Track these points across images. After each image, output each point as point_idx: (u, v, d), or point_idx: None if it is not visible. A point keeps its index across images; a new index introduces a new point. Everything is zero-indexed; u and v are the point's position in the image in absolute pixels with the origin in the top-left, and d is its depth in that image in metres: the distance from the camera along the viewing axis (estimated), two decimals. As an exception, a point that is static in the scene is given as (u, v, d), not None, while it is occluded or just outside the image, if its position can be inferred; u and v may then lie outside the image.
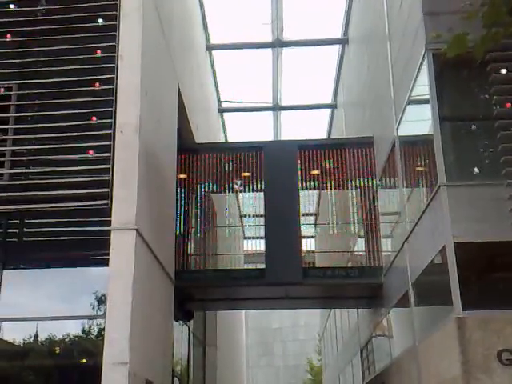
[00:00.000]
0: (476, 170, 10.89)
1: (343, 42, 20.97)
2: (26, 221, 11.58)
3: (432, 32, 9.75)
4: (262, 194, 15.89)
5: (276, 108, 24.31)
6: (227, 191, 17.22)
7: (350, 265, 18.21)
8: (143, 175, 10.92)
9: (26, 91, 11.11)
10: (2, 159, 10.63)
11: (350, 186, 16.31)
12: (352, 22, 19.83)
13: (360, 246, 17.65)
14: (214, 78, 23.08)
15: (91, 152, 10.52)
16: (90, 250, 11.05)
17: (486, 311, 9.38)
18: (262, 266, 15.26)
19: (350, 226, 17.36)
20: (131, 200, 10.37)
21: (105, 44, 11.05)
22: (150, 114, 11.72)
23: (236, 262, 19.50)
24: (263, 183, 15.85)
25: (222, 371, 24.79)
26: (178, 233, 14.66)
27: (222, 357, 24.80)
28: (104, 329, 9.90)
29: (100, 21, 11.22)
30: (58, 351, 10.91)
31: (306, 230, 20.28)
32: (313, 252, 20.60)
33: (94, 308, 10.77)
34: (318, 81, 23.70)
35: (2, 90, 11.07)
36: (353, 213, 16.86)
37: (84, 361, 11.00)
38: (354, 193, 16.50)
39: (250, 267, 18.67)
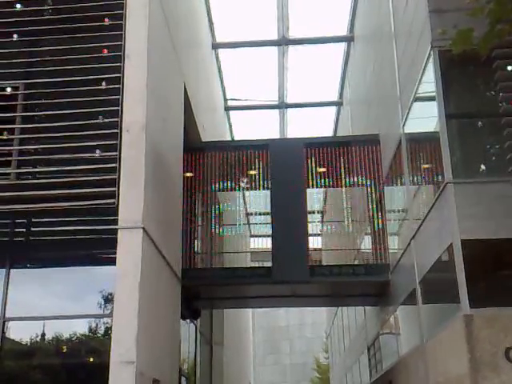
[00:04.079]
0: (483, 167, 10.88)
1: (349, 39, 20.94)
2: (33, 220, 11.60)
3: (438, 29, 9.74)
4: (269, 192, 15.89)
5: (282, 106, 24.30)
6: (234, 189, 17.22)
7: (356, 262, 18.19)
8: (150, 174, 10.94)
9: (33, 91, 11.14)
10: (9, 158, 10.66)
11: (356, 183, 16.29)
12: (358, 20, 19.81)
13: (367, 243, 17.62)
14: (220, 76, 23.09)
15: (98, 151, 10.54)
16: (96, 248, 11.07)
17: (494, 309, 9.36)
18: (269, 264, 15.26)
19: (356, 223, 17.35)
20: (138, 199, 10.38)
21: (111, 43, 11.07)
22: (157, 113, 11.73)
23: (243, 260, 19.52)
24: (269, 181, 15.85)
25: (229, 369, 24.81)
26: (184, 231, 14.65)
27: (229, 355, 24.82)
28: (111, 328, 9.93)
29: (106, 20, 11.23)
30: (65, 350, 10.94)
31: (313, 227, 20.25)
32: (320, 250, 20.58)
33: (101, 307, 10.80)
34: (323, 78, 23.69)
35: (9, 89, 11.09)
36: (359, 210, 16.85)
37: (91, 360, 11.02)
38: (361, 190, 16.48)
39: (256, 265, 18.68)
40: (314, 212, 18.37)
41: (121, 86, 10.83)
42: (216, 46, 21.34)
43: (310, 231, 16.25)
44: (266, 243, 16.31)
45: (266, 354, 55.35)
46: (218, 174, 16.28)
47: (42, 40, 11.34)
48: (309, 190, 16.19)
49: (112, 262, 10.08)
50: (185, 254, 14.59)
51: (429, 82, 11.06)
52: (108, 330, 10.46)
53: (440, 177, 10.52)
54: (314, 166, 16.07)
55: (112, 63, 10.97)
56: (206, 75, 19.91)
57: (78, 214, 10.95)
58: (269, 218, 15.75)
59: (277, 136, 25.67)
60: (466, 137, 11.09)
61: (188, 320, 16.01)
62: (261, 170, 16.15)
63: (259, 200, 17.17)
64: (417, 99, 12.22)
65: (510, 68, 10.22)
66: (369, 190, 16.11)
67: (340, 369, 32.86)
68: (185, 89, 14.86)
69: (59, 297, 11.02)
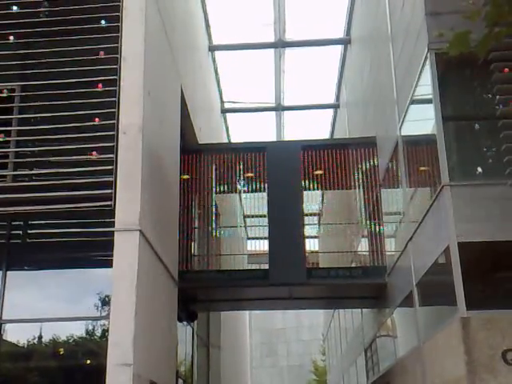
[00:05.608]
0: (479, 169, 10.88)
1: (346, 42, 20.96)
2: (30, 222, 11.59)
3: (435, 32, 9.75)
4: (266, 194, 15.89)
5: (279, 108, 24.30)
6: (231, 192, 17.22)
7: (353, 265, 18.20)
8: (146, 176, 10.92)
9: (29, 93, 11.12)
10: (6, 161, 10.64)
11: (353, 185, 16.30)
12: (354, 22, 19.83)
13: (364, 245, 17.63)
14: (217, 78, 23.09)
15: (94, 153, 10.52)
16: (93, 251, 11.06)
17: (491, 311, 9.37)
18: (266, 267, 15.26)
19: (353, 225, 17.36)
20: (135, 201, 10.36)
21: (108, 45, 11.06)
22: (153, 115, 11.72)
23: (240, 262, 19.51)
24: (266, 183, 15.85)
25: (226, 372, 24.80)
26: (181, 234, 14.63)
27: (226, 357, 24.82)
28: (108, 330, 9.90)
29: (103, 22, 11.22)
30: (61, 352, 10.93)
31: (310, 230, 20.24)
32: (317, 252, 20.59)
33: (97, 309, 10.78)
34: (320, 81, 23.73)
35: (5, 91, 11.07)
36: (356, 212, 16.86)
37: (88, 362, 11.00)
38: (358, 193, 16.49)
39: (253, 268, 18.66)
40: (310, 214, 18.37)
41: (117, 88, 10.82)
42: (213, 49, 21.35)
43: (306, 233, 16.26)
44: (263, 245, 16.29)
45: (263, 356, 55.34)
46: (215, 177, 16.28)
47: (39, 42, 11.33)
48: (306, 193, 16.20)
49: (109, 264, 10.06)
50: (182, 256, 14.58)
51: (425, 85, 11.08)
52: (105, 333, 10.44)
53: (437, 179, 10.53)
54: (310, 168, 16.08)
55: (108, 65, 10.96)
56: (203, 77, 19.91)
57: (75, 216, 10.94)
58: (266, 221, 15.74)
59: (274, 138, 25.69)
60: (462, 139, 11.10)
61: (185, 322, 16.00)
62: (258, 172, 16.15)
63: (256, 202, 17.16)
64: (413, 101, 12.23)
65: (506, 70, 10.21)
66: (366, 192, 16.12)
67: (337, 371, 32.85)
68: (181, 91, 14.85)
69: (56, 299, 10.99)
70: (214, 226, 17.13)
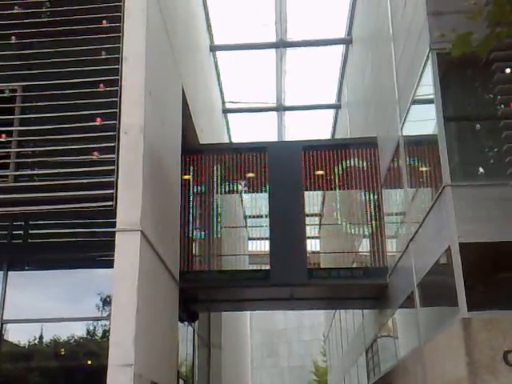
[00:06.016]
0: (481, 170, 10.87)
1: (347, 42, 20.95)
2: (31, 222, 11.59)
3: (436, 31, 9.74)
4: (267, 194, 15.88)
5: (280, 108, 24.30)
6: (232, 192, 17.20)
7: (355, 265, 18.17)
8: (148, 176, 10.92)
9: (31, 93, 11.12)
10: (7, 161, 10.64)
11: (354, 186, 16.27)
12: (356, 22, 19.81)
13: (365, 246, 17.60)
14: (218, 78, 23.09)
15: (96, 153, 10.52)
16: (94, 251, 11.06)
17: (492, 312, 9.35)
18: (267, 267, 15.25)
19: (354, 226, 17.33)
20: (136, 201, 10.36)
21: (109, 46, 11.06)
22: (155, 116, 11.72)
23: (241, 262, 19.49)
24: (267, 184, 15.85)
25: (227, 372, 24.79)
26: (182, 234, 14.63)
27: (227, 358, 24.80)
28: (109, 330, 9.90)
29: (104, 22, 11.22)
30: (63, 353, 10.93)
31: (311, 230, 20.21)
32: (318, 253, 20.56)
33: (98, 309, 10.78)
34: (321, 81, 23.71)
35: (7, 91, 11.07)
36: (357, 213, 16.83)
37: (89, 362, 11.02)
38: (359, 193, 16.46)
39: (254, 268, 18.65)
40: (312, 215, 18.34)
41: (119, 88, 10.82)
42: (214, 49, 21.34)
43: (308, 234, 16.23)
44: (264, 246, 16.28)
45: (264, 356, 55.31)
46: (216, 177, 16.27)
47: (40, 42, 11.33)
48: (307, 193, 16.18)
49: (110, 264, 10.05)
50: (183, 256, 14.57)
51: (427, 85, 11.06)
52: (106, 333, 10.45)
53: (438, 180, 10.51)
54: (311, 168, 16.07)
55: (110, 65, 10.96)
56: (204, 78, 19.91)
57: (76, 217, 10.94)
58: (267, 221, 15.73)
59: (275, 139, 25.68)
60: (464, 140, 11.09)
61: (186, 323, 16.00)
62: (259, 172, 16.14)
63: (257, 203, 17.15)
64: (415, 102, 12.21)
65: (508, 70, 10.20)
66: (367, 192, 16.09)
67: (338, 372, 32.83)
68: (183, 91, 14.85)
69: (57, 299, 11.00)
70: (215, 226, 17.10)
